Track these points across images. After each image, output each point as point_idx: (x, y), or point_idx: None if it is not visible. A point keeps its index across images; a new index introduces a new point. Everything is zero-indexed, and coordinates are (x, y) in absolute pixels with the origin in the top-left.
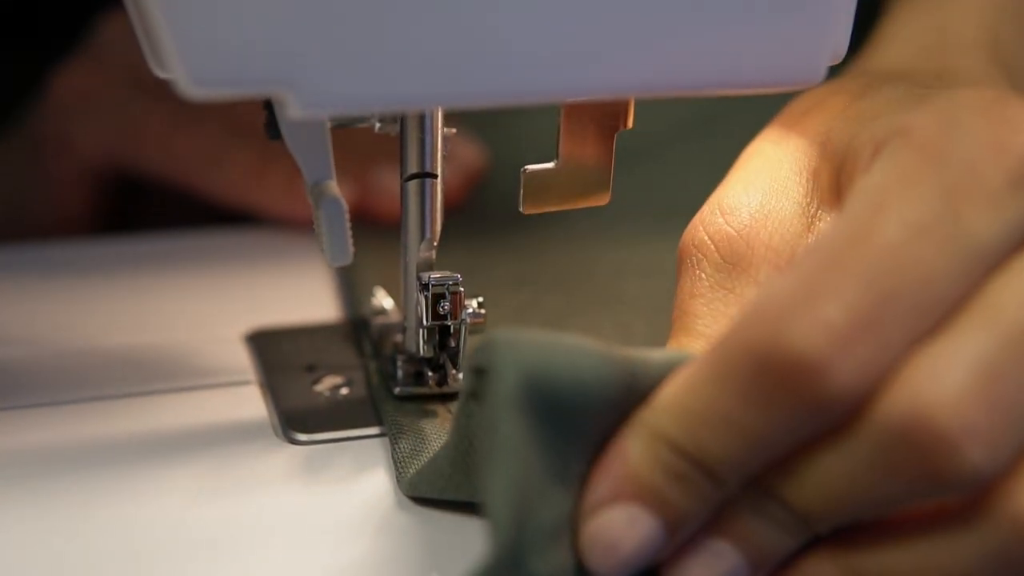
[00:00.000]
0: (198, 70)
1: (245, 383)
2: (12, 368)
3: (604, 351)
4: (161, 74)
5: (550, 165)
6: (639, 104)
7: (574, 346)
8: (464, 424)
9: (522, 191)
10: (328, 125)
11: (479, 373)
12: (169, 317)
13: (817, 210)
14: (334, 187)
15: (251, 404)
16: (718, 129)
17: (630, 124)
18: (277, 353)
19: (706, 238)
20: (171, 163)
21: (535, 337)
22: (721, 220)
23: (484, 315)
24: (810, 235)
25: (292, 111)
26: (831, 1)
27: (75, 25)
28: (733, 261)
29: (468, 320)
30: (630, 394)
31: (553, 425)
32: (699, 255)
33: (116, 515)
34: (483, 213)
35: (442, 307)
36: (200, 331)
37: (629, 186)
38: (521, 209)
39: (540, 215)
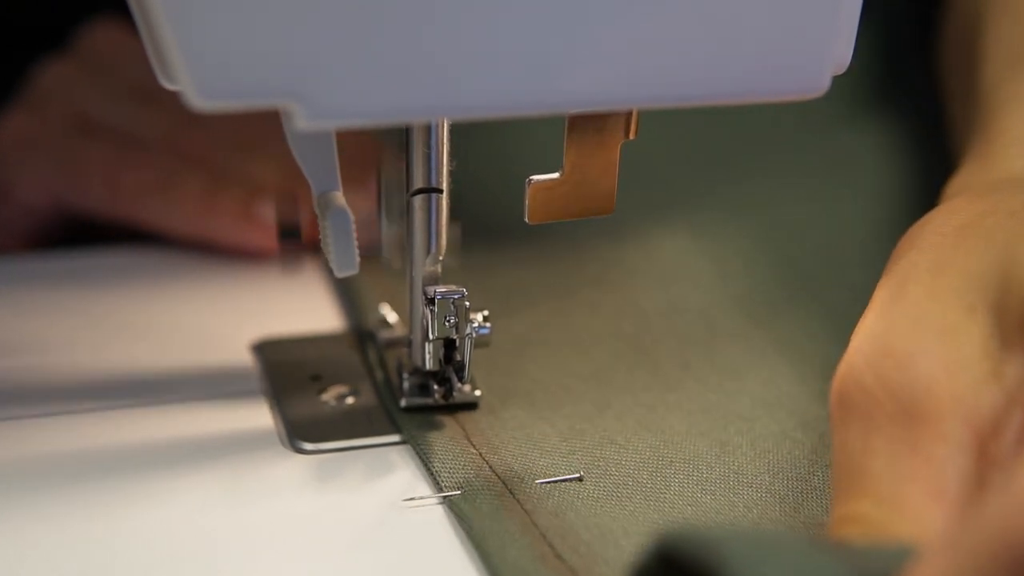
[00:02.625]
0: (206, 82)
1: (251, 392)
2: (19, 379)
3: (833, 557)
4: (168, 85)
5: (555, 175)
6: (643, 115)
7: (805, 557)
8: None
9: (527, 202)
10: (335, 136)
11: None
12: (176, 327)
13: (1002, 351)
14: (340, 197)
15: (258, 413)
16: (722, 141)
17: (634, 135)
18: (283, 362)
19: (875, 384)
20: (117, 199)
21: (760, 547)
22: (890, 363)
23: (490, 328)
24: (997, 381)
25: (299, 123)
26: (835, 12)
27: (13, 73)
28: (914, 413)
29: (474, 334)
30: None
31: None
32: (870, 403)
33: (123, 525)
34: (488, 224)
35: (448, 321)
36: (207, 341)
37: (633, 195)
38: (526, 219)
39: (545, 225)
